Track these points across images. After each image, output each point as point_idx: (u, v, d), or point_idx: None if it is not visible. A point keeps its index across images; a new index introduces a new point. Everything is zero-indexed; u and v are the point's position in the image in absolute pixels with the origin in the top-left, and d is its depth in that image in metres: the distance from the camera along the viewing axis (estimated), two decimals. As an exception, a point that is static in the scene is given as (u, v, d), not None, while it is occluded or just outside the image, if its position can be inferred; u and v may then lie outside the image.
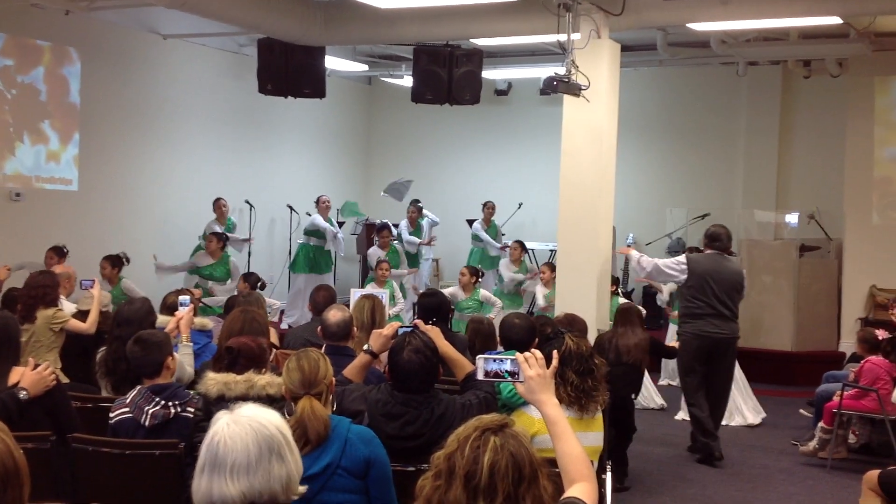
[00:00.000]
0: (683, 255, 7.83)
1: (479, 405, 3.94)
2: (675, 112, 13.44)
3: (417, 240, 12.30)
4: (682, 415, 8.85)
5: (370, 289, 9.80)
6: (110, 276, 9.21)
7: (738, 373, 8.71)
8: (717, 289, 7.48)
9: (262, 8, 9.28)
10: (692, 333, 7.50)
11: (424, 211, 12.77)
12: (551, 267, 10.52)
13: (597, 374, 4.31)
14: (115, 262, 9.28)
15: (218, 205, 11.33)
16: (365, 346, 4.52)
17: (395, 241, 11.77)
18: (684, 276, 7.57)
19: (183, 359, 5.11)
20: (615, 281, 9.73)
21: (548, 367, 2.78)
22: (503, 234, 12.75)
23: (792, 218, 12.36)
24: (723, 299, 7.50)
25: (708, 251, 7.71)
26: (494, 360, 2.85)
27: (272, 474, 2.09)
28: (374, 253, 11.08)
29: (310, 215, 12.15)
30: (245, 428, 2.09)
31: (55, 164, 10.33)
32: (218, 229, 10.92)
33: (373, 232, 12.26)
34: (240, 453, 2.06)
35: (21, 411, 3.94)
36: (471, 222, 12.81)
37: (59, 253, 9.04)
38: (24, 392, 3.96)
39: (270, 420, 2.15)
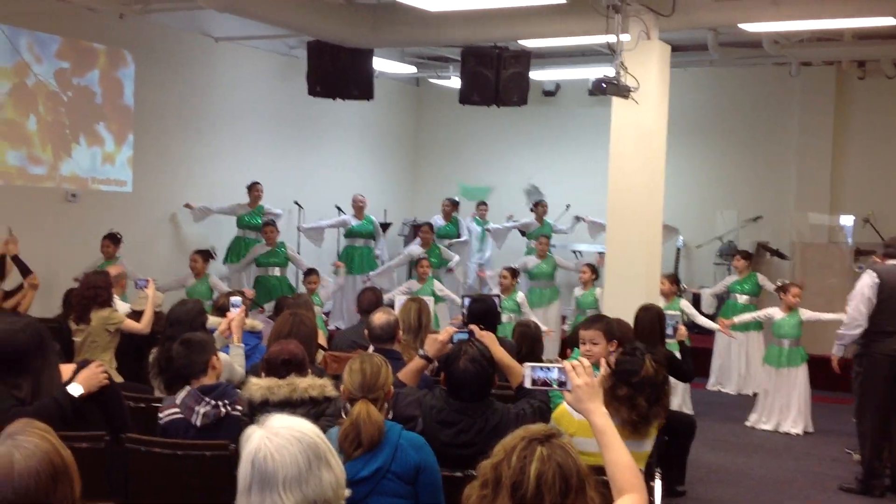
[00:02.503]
0: (874, 274, 6.89)
1: (532, 415, 3.92)
2: (727, 113, 13.27)
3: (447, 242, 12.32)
4: (755, 421, 8.80)
5: (406, 287, 9.98)
6: (201, 270, 9.63)
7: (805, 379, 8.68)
8: None
9: (311, 11, 9.35)
10: (883, 354, 6.82)
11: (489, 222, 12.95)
12: (592, 268, 10.47)
13: (665, 400, 4.15)
14: (207, 257, 9.75)
15: (255, 189, 11.41)
16: (420, 351, 4.54)
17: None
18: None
19: (234, 360, 5.17)
20: (676, 280, 9.56)
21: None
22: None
23: (847, 221, 12.14)
24: None
25: (890, 261, 7.00)
26: (542, 369, 2.84)
27: (323, 481, 2.06)
28: (414, 250, 11.15)
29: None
30: (288, 439, 2.06)
31: (110, 165, 10.51)
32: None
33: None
34: (290, 466, 2.03)
35: (75, 409, 4.01)
36: (522, 232, 12.79)
37: (114, 240, 9.31)
38: (78, 387, 4.02)
39: (308, 427, 2.13)
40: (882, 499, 6.81)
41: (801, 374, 8.68)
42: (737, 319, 9.13)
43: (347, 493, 2.19)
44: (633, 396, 3.92)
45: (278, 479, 2.02)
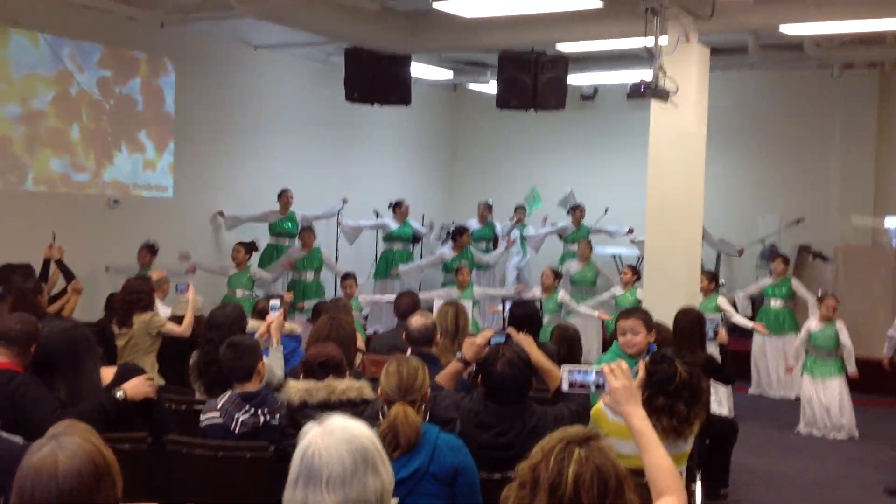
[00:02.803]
0: None
1: (570, 417, 3.90)
2: (768, 116, 13.13)
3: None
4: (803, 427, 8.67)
5: (444, 292, 10.01)
6: (242, 260, 10.03)
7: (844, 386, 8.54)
8: None
9: (349, 18, 9.40)
10: None
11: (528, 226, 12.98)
12: (633, 269, 10.42)
13: (703, 398, 4.07)
14: (249, 248, 10.10)
15: (284, 196, 11.51)
16: (458, 354, 4.54)
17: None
18: None
19: (273, 363, 5.20)
20: (713, 277, 9.49)
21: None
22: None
23: (891, 223, 11.96)
24: None
25: None
26: (580, 372, 2.83)
27: (367, 486, 2.07)
28: (445, 253, 11.26)
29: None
30: (338, 439, 2.08)
31: (151, 171, 10.65)
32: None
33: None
34: (335, 465, 2.05)
35: (119, 413, 4.07)
36: (560, 235, 12.76)
37: (151, 251, 9.44)
38: (122, 392, 4.08)
39: (362, 431, 2.14)
40: None
41: (839, 384, 8.53)
42: (792, 363, 8.97)
43: (394, 501, 2.20)
44: (671, 405, 3.83)
45: (322, 477, 2.04)
